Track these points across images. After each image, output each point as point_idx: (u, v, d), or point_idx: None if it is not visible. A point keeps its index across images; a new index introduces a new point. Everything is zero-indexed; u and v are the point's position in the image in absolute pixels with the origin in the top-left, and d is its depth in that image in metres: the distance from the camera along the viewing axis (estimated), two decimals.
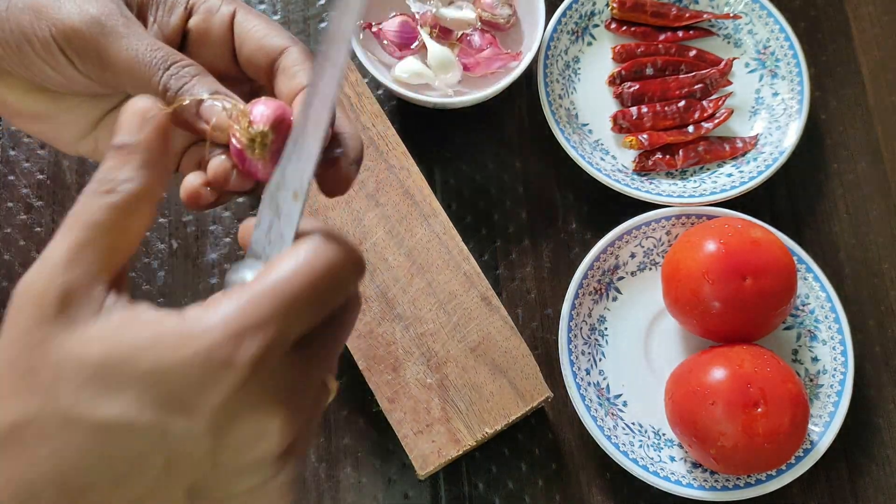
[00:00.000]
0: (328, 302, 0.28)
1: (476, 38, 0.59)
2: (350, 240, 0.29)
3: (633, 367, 0.56)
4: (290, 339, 0.27)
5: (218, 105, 0.33)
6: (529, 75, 0.62)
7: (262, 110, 0.33)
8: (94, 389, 0.25)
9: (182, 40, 0.37)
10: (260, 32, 0.36)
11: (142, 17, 0.36)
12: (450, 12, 0.60)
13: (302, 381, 0.28)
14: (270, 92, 0.36)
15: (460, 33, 0.60)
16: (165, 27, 0.36)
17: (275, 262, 0.27)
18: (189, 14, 0.36)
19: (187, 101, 0.34)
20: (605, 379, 0.55)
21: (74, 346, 0.26)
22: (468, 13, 0.60)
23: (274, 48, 0.36)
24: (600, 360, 0.56)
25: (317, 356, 0.28)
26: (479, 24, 0.60)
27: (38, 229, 0.59)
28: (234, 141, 0.33)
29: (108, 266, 0.29)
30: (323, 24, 0.65)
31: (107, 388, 0.25)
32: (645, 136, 0.60)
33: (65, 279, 0.29)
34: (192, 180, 0.34)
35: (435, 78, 0.59)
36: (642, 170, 0.60)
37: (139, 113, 0.29)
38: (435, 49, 0.59)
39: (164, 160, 0.30)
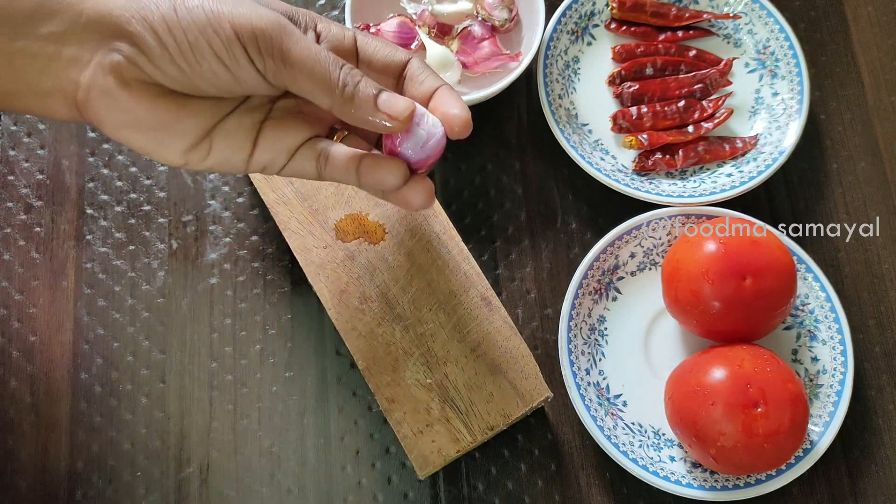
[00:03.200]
0: None
1: (476, 29, 0.59)
2: None
3: (633, 367, 0.56)
4: None
5: (393, 99, 0.39)
6: (529, 75, 0.62)
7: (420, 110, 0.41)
8: None
9: None
10: (383, 51, 0.42)
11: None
12: (445, 7, 0.60)
13: None
14: (398, 91, 0.43)
15: (460, 28, 0.60)
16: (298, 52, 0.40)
17: None
18: (317, 41, 0.41)
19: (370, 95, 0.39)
20: (605, 379, 0.55)
21: None
22: (464, 4, 0.60)
23: (399, 62, 0.42)
24: (600, 360, 0.56)
25: None
26: (477, 13, 0.60)
27: (38, 229, 0.59)
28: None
29: None
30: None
31: None
32: (645, 135, 0.60)
33: None
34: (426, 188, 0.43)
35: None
36: (642, 170, 0.60)
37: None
38: (434, 49, 0.59)
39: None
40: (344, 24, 0.62)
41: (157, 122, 0.38)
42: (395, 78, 0.43)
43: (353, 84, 0.39)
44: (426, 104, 0.42)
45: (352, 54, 0.42)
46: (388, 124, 0.39)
